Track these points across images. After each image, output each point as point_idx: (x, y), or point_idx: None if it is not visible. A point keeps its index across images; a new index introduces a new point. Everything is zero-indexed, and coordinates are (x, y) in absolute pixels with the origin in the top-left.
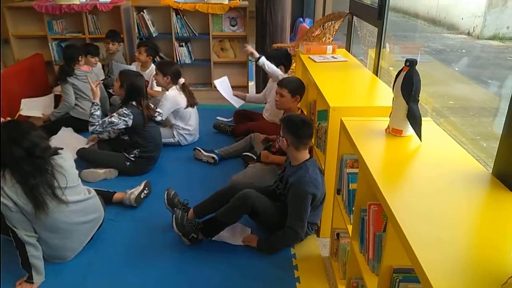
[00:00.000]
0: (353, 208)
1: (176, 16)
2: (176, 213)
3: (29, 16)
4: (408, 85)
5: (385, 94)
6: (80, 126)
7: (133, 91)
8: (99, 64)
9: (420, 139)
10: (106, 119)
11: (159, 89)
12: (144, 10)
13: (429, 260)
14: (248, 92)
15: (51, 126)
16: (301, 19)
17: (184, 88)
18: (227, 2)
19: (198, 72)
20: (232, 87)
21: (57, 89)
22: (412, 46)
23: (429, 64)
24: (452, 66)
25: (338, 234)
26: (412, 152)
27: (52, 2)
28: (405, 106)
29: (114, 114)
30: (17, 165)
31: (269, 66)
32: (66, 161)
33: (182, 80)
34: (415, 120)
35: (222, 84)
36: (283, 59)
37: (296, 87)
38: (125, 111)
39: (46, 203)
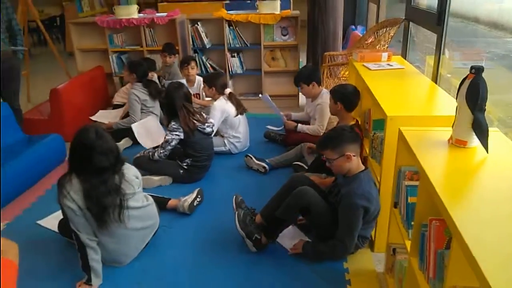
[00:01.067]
0: (412, 223)
1: (229, 27)
2: (238, 212)
3: (91, 30)
4: (474, 93)
5: (445, 103)
6: None
7: (170, 105)
8: (155, 76)
9: (487, 151)
10: (162, 142)
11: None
12: (198, 23)
13: (500, 281)
14: (298, 101)
15: (112, 135)
16: (353, 27)
17: (230, 97)
18: (278, 12)
19: (249, 82)
20: (283, 96)
21: (116, 99)
22: (473, 52)
23: (492, 71)
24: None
25: (394, 249)
26: (478, 164)
27: (113, 17)
28: (470, 116)
29: (166, 132)
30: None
31: (305, 129)
32: (129, 169)
33: (228, 90)
34: (481, 130)
35: (267, 99)
36: (313, 77)
37: (338, 94)
38: (173, 126)
39: (109, 224)
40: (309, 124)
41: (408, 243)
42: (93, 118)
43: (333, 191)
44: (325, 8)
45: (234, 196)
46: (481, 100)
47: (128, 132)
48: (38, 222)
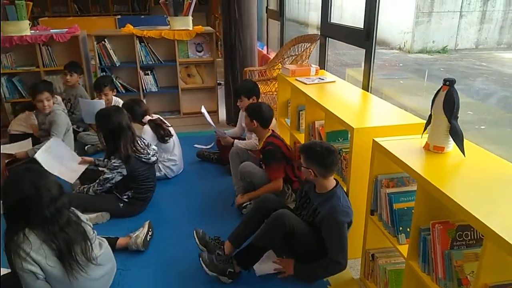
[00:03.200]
0: (401, 228)
1: (140, 44)
2: (202, 257)
3: None
4: (450, 103)
5: (393, 112)
6: None
7: (109, 134)
8: (59, 99)
9: (464, 154)
10: (101, 177)
11: None
12: (105, 39)
13: None
14: (218, 117)
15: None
16: None
17: (150, 124)
18: (191, 28)
19: (165, 100)
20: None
21: (14, 128)
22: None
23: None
24: (396, 79)
25: (373, 255)
26: (463, 166)
27: None
28: (446, 124)
29: (106, 170)
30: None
31: (242, 144)
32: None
33: (147, 118)
34: (457, 136)
35: (205, 112)
36: (253, 91)
37: (254, 113)
38: (114, 164)
39: (80, 264)
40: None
41: (402, 248)
42: None
43: (306, 207)
44: (241, 24)
45: (195, 232)
46: (456, 109)
47: None
48: None
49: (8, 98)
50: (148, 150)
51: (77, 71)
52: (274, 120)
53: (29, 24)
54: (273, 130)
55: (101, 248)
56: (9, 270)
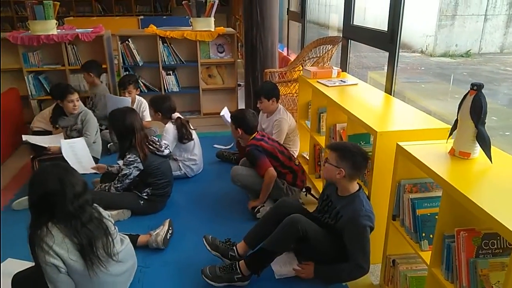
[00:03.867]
0: (424, 234)
1: (163, 44)
2: (204, 273)
3: (2, 48)
4: (477, 108)
5: (416, 116)
6: None
7: (123, 134)
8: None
9: (491, 161)
10: (119, 174)
11: (149, 118)
12: (129, 39)
13: None
14: None
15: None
16: None
17: (177, 122)
18: (213, 29)
19: (186, 100)
20: None
21: (36, 125)
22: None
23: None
24: (418, 83)
25: (394, 261)
26: (489, 173)
27: (27, 33)
28: (473, 129)
29: (122, 166)
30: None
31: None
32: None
33: (176, 115)
34: (484, 142)
35: (226, 114)
36: (273, 93)
37: (238, 121)
38: (129, 159)
39: (101, 260)
40: None
41: (424, 254)
42: (27, 139)
43: (328, 210)
44: (263, 26)
45: (204, 239)
46: (484, 114)
47: None
48: None
49: (34, 95)
50: (160, 143)
51: (87, 70)
52: (293, 122)
53: (56, 23)
54: (257, 131)
55: (122, 244)
56: (33, 264)
